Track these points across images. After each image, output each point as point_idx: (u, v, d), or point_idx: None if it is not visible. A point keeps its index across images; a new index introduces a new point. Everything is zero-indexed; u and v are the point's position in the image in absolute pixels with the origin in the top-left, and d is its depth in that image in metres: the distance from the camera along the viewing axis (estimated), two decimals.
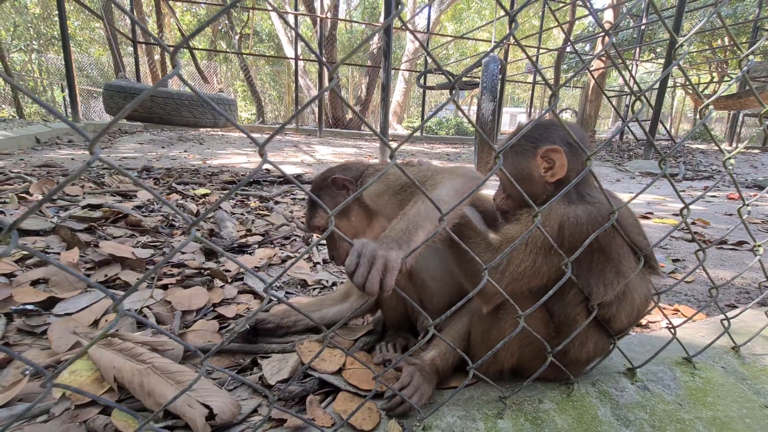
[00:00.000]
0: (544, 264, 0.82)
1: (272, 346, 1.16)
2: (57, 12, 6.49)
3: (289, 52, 12.83)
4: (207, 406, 0.82)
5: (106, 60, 16.47)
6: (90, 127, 7.66)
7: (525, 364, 0.98)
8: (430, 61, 12.14)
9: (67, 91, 7.02)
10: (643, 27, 11.42)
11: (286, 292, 1.57)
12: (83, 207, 2.30)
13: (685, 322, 1.13)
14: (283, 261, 1.88)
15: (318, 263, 1.89)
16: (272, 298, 0.65)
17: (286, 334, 1.23)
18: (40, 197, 2.52)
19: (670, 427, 0.90)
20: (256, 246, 2.04)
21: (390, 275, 0.65)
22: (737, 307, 1.67)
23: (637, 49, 11.20)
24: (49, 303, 1.24)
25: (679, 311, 1.60)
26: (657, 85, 7.21)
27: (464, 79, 7.34)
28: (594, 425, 0.88)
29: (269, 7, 12.38)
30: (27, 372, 0.94)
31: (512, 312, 0.90)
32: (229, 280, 1.57)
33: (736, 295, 1.86)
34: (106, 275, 1.45)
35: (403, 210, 0.83)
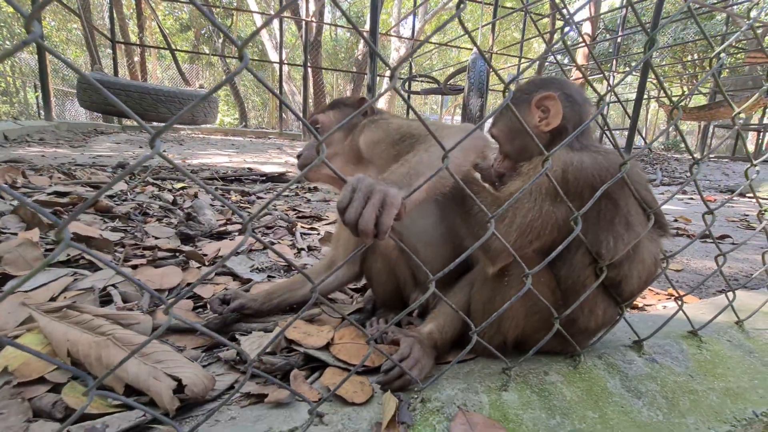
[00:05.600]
0: (551, 213, 0.77)
1: (252, 326, 1.06)
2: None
3: (273, 57, 12.74)
4: (176, 378, 0.71)
5: (83, 61, 15.99)
6: (63, 126, 7.35)
7: (530, 335, 0.91)
8: (414, 68, 12.26)
9: (40, 91, 6.74)
10: (619, 40, 11.85)
11: (268, 276, 1.47)
12: (49, 194, 2.14)
13: (685, 295, 1.08)
14: (265, 248, 1.77)
15: (302, 249, 1.79)
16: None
17: (269, 315, 1.13)
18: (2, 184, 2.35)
19: (683, 398, 0.84)
20: (236, 233, 1.92)
21: (387, 212, 0.57)
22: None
23: (614, 61, 11.60)
24: (2, 280, 1.11)
25: (673, 295, 1.57)
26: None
27: (447, 84, 7.40)
28: (604, 397, 0.82)
29: (253, 9, 12.31)
30: None
31: (516, 278, 0.83)
32: (207, 263, 1.46)
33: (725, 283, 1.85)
34: (68, 255, 1.32)
35: (399, 161, 0.75)
